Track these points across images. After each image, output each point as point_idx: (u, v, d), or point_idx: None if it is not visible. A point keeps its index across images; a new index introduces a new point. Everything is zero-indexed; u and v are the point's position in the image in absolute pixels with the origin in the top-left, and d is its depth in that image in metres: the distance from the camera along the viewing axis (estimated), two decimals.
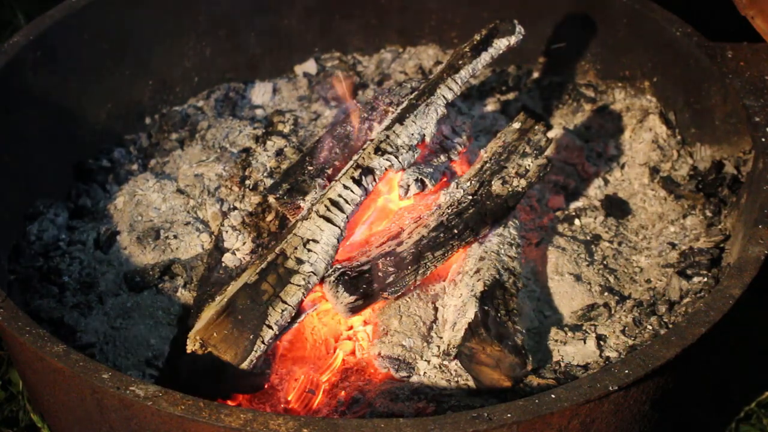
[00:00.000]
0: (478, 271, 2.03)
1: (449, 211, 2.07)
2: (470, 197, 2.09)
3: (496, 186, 2.11)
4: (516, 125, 2.20)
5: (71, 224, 2.30)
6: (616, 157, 2.49)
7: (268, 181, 2.32)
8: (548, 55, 2.74)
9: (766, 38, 2.29)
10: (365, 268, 1.95)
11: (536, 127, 2.19)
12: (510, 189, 2.11)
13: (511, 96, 2.71)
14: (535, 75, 2.75)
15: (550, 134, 2.56)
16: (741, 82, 2.27)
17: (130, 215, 2.29)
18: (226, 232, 2.17)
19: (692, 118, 2.45)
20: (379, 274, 1.96)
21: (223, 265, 2.11)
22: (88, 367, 1.68)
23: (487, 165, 2.14)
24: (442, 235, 2.04)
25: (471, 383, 1.92)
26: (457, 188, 2.10)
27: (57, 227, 2.28)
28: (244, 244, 2.15)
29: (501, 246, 2.09)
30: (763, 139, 2.13)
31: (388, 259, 1.98)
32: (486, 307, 1.94)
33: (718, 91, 2.34)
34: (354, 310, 1.95)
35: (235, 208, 2.28)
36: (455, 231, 2.05)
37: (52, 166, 2.37)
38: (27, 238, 2.24)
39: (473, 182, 2.11)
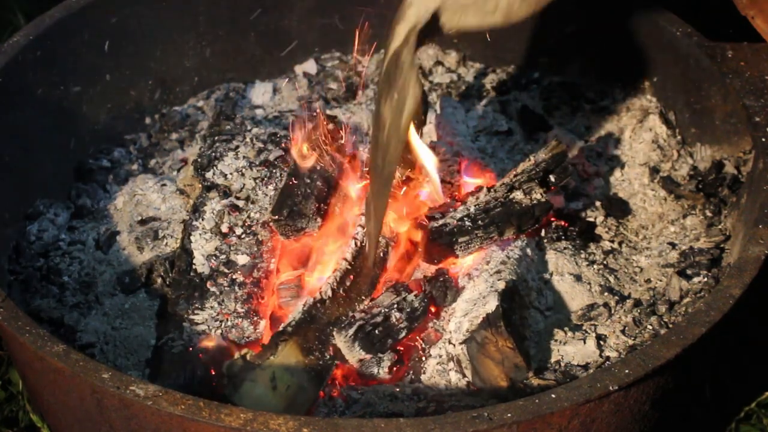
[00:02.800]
0: (499, 272, 2.04)
1: (475, 208, 2.10)
2: (496, 200, 2.12)
3: (519, 195, 2.13)
4: (550, 147, 2.21)
5: (71, 224, 2.30)
6: (616, 157, 2.49)
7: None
8: (548, 55, 2.74)
9: (766, 38, 2.29)
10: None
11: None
12: (531, 199, 2.14)
13: (511, 96, 2.70)
14: (535, 75, 2.75)
15: (550, 134, 2.57)
16: (741, 82, 2.26)
17: (130, 215, 2.29)
18: (194, 232, 2.17)
19: (692, 118, 2.45)
20: None
21: (194, 267, 2.11)
22: (88, 367, 1.68)
23: (517, 177, 2.16)
24: (468, 224, 2.07)
25: (471, 382, 1.93)
26: (486, 193, 2.13)
27: (57, 227, 2.28)
28: (215, 248, 2.15)
29: (523, 258, 2.11)
30: (763, 139, 2.13)
31: None
32: (505, 305, 1.95)
33: (718, 91, 2.33)
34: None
35: (198, 210, 2.26)
36: (480, 223, 2.08)
37: (52, 166, 2.37)
38: (27, 238, 2.24)
39: (502, 188, 2.14)
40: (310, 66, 2.79)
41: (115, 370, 1.67)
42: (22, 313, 1.79)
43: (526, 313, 2.02)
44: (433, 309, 2.06)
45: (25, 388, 2.19)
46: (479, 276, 2.05)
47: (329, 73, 2.78)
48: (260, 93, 2.72)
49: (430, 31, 1.73)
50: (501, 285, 1.99)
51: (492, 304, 1.94)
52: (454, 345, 1.94)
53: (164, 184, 2.35)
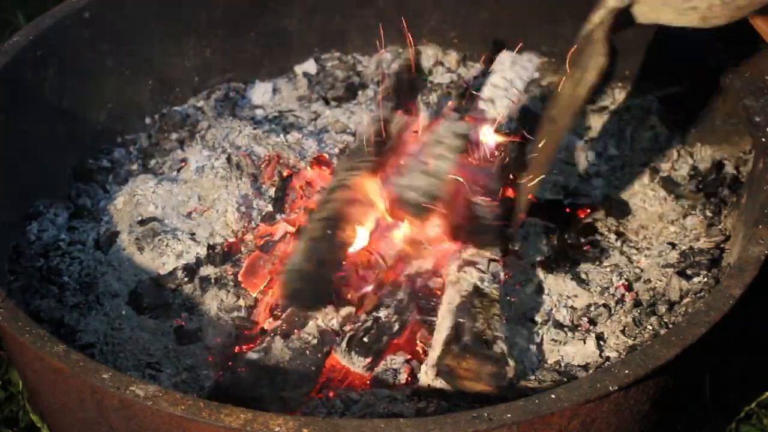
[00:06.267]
0: (458, 281, 2.00)
1: None
2: None
3: None
4: None
5: (71, 224, 2.30)
6: (616, 157, 2.49)
7: None
8: (549, 55, 2.74)
9: (766, 38, 2.29)
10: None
11: None
12: None
13: None
14: (536, 75, 2.75)
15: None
16: (741, 82, 2.27)
17: (130, 215, 2.29)
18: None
19: (692, 118, 2.45)
20: None
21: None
22: (88, 367, 1.68)
23: None
24: None
25: None
26: None
27: (57, 227, 2.28)
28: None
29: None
30: (763, 139, 2.13)
31: None
32: (461, 320, 1.91)
33: (718, 91, 2.34)
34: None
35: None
36: None
37: (52, 166, 2.37)
38: (27, 238, 2.23)
39: None
40: (310, 66, 2.79)
41: (115, 371, 1.67)
42: (22, 313, 1.79)
43: (495, 307, 1.95)
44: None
45: (25, 388, 2.19)
46: (446, 293, 2.00)
47: (329, 73, 2.78)
48: (260, 93, 2.72)
49: (625, 17, 1.90)
50: (457, 299, 1.95)
51: (444, 329, 1.90)
52: (432, 377, 1.91)
53: (164, 185, 2.35)
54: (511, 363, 1.87)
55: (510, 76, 2.22)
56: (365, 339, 1.92)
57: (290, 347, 1.92)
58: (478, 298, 1.96)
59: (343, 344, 1.91)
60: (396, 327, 1.97)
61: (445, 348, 1.88)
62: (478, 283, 1.98)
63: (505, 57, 2.26)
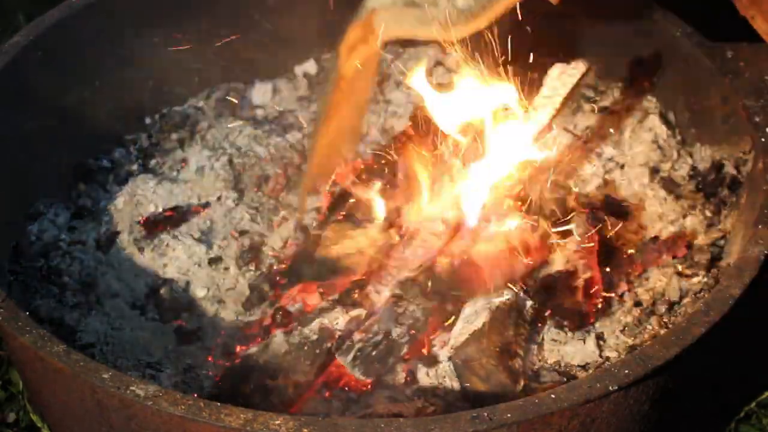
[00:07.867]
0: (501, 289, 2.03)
1: None
2: None
3: None
4: None
5: (71, 224, 2.30)
6: (616, 157, 2.49)
7: None
8: (548, 55, 2.73)
9: (766, 38, 2.29)
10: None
11: None
12: None
13: None
14: (535, 75, 2.74)
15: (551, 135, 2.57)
16: (741, 82, 2.26)
17: (131, 216, 2.29)
18: None
19: (692, 118, 2.45)
20: None
21: None
22: (88, 367, 1.68)
23: None
24: None
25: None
26: None
27: (57, 227, 2.28)
28: None
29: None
30: (763, 139, 2.13)
31: None
32: (496, 322, 1.93)
33: (718, 92, 2.33)
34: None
35: None
36: None
37: (52, 166, 2.37)
38: (27, 238, 2.24)
39: None
40: (310, 66, 2.79)
41: (115, 371, 1.67)
42: (22, 313, 1.79)
43: (524, 329, 1.99)
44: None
45: (25, 388, 2.19)
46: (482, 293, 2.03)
47: (329, 73, 2.78)
48: (260, 93, 2.72)
49: None
50: (496, 303, 1.97)
51: (480, 321, 1.93)
52: (442, 362, 1.93)
53: (164, 185, 2.35)
54: (522, 382, 1.89)
55: (556, 85, 2.23)
56: (371, 355, 1.92)
57: (290, 342, 1.92)
58: (515, 312, 1.98)
59: (350, 355, 1.91)
60: (405, 348, 1.96)
61: (472, 338, 1.89)
62: (519, 302, 2.00)
63: (554, 69, 2.28)
